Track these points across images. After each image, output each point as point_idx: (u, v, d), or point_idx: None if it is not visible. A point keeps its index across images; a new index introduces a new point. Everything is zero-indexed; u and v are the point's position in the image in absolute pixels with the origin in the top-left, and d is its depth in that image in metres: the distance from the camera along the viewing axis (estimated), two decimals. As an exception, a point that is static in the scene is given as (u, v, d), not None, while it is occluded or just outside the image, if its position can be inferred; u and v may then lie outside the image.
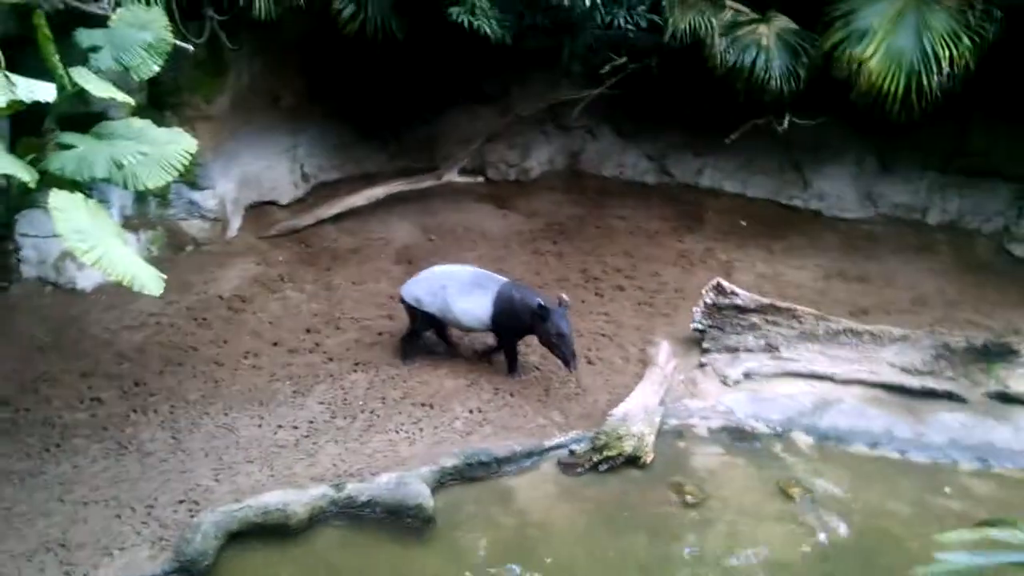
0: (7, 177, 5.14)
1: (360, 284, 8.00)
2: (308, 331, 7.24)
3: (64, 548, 4.92)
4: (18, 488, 5.33)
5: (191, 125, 7.28)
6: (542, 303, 6.33)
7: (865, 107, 7.76)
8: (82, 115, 5.92)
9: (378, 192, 9.19)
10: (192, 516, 5.13)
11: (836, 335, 6.97)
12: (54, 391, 6.21)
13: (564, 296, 6.59)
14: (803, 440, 6.42)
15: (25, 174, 4.70)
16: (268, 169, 8.97)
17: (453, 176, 9.62)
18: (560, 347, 6.42)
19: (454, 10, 7.32)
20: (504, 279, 6.75)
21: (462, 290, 6.63)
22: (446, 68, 9.23)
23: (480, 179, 9.96)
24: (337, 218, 8.97)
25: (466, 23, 7.31)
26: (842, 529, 5.59)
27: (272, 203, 9.06)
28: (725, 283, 6.99)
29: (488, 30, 7.36)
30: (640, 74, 9.01)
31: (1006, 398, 6.61)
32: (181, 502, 5.31)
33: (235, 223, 8.53)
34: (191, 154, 5.34)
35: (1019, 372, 6.65)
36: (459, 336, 7.11)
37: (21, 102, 4.49)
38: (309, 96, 9.09)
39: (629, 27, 8.06)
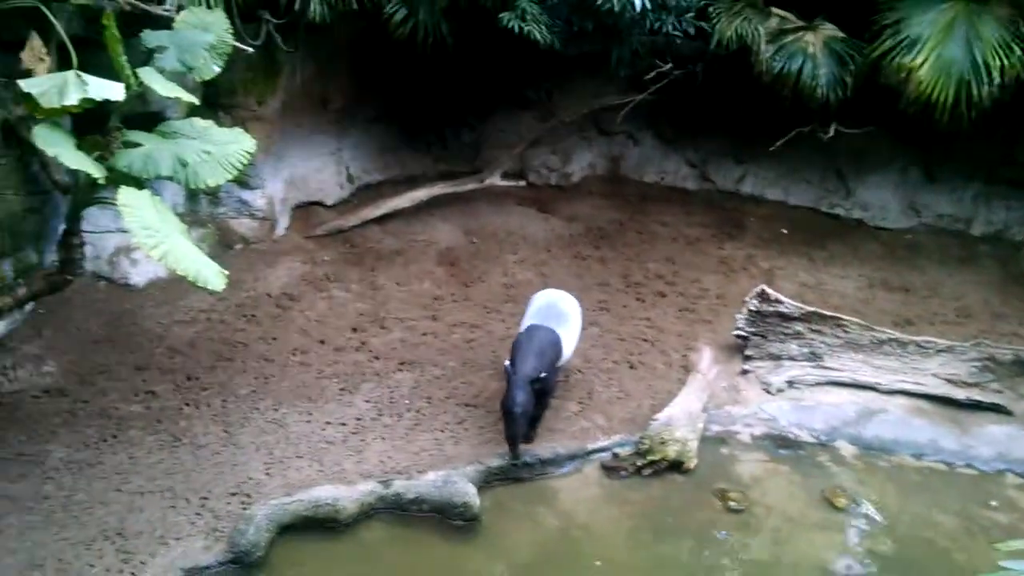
0: (74, 173, 5.31)
1: (404, 285, 8.08)
2: (354, 330, 7.33)
3: (121, 536, 5.03)
4: (77, 477, 5.46)
5: (243, 126, 7.36)
6: (507, 366, 5.77)
7: (913, 116, 7.73)
8: (141, 114, 6.06)
9: (421, 194, 9.28)
10: (244, 508, 5.24)
11: (880, 345, 6.93)
12: (110, 383, 6.34)
13: (544, 375, 5.78)
14: (847, 449, 6.41)
15: (95, 170, 4.83)
16: (315, 171, 9.10)
17: (495, 180, 9.68)
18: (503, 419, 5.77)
19: (505, 16, 7.39)
20: (546, 325, 6.10)
21: (529, 313, 6.44)
22: (491, 73, 9.30)
23: (522, 183, 10.00)
24: (381, 219, 9.04)
25: (516, 28, 7.38)
26: (887, 540, 5.58)
27: (318, 203, 9.16)
28: (770, 290, 6.99)
29: (538, 35, 7.41)
30: (684, 81, 9.03)
31: (1053, 411, 6.57)
32: (234, 494, 5.42)
33: (283, 222, 8.66)
34: (250, 154, 5.48)
35: (1067, 386, 6.60)
36: None
37: (92, 100, 4.60)
38: (356, 99, 9.21)
39: (676, 34, 8.10)
